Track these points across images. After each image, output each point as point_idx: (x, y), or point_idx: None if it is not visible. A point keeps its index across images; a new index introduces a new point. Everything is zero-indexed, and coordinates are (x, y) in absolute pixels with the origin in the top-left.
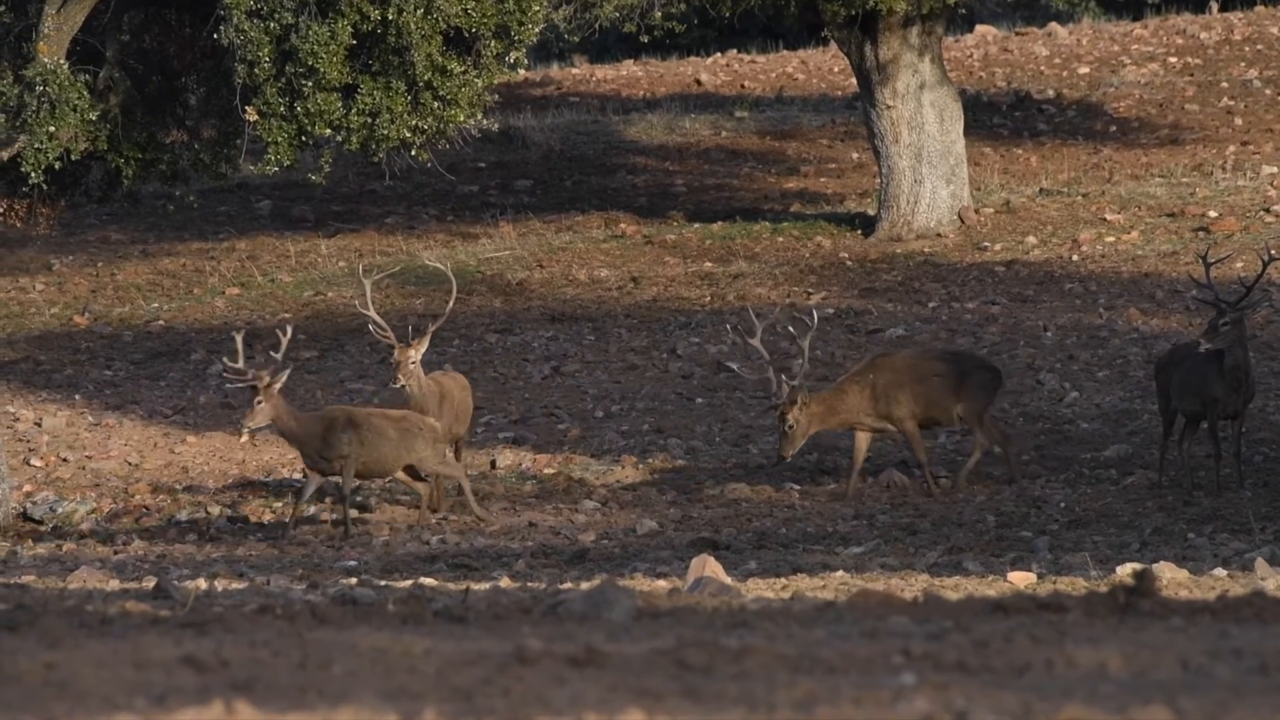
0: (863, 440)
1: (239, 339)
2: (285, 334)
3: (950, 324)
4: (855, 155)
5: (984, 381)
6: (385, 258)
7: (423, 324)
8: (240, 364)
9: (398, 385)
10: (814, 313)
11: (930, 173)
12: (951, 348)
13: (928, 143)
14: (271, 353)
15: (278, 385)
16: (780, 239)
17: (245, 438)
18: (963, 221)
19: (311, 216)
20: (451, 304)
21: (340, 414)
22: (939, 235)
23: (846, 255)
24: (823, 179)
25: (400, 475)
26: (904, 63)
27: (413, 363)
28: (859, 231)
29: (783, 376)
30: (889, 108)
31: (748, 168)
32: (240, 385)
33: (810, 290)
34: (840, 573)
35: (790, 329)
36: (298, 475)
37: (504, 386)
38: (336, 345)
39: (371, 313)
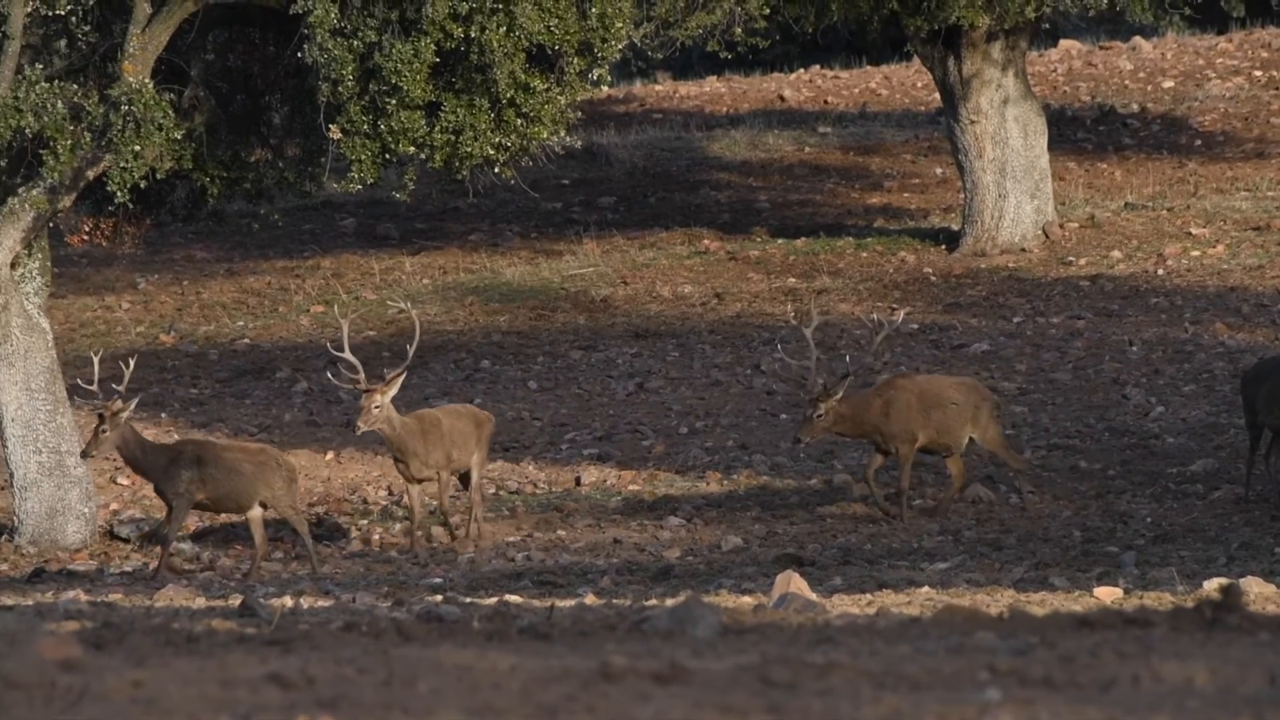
0: (878, 460)
1: (96, 360)
2: (128, 366)
3: (1035, 339)
4: (939, 170)
5: (994, 410)
6: (469, 275)
7: (400, 359)
8: (94, 388)
9: (357, 432)
10: (887, 323)
11: (1014, 187)
12: (961, 377)
13: (1012, 157)
14: (114, 386)
15: (125, 414)
16: (864, 254)
17: (93, 458)
18: (1047, 236)
19: (396, 234)
20: (414, 347)
21: (189, 449)
22: (1023, 250)
23: (930, 270)
24: (906, 194)
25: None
26: (987, 78)
27: (376, 407)
28: (943, 246)
29: (823, 370)
30: (973, 123)
31: (831, 183)
32: (94, 410)
33: (894, 305)
34: (925, 588)
35: (871, 321)
36: (383, 492)
37: (588, 403)
38: (420, 363)
39: (346, 354)
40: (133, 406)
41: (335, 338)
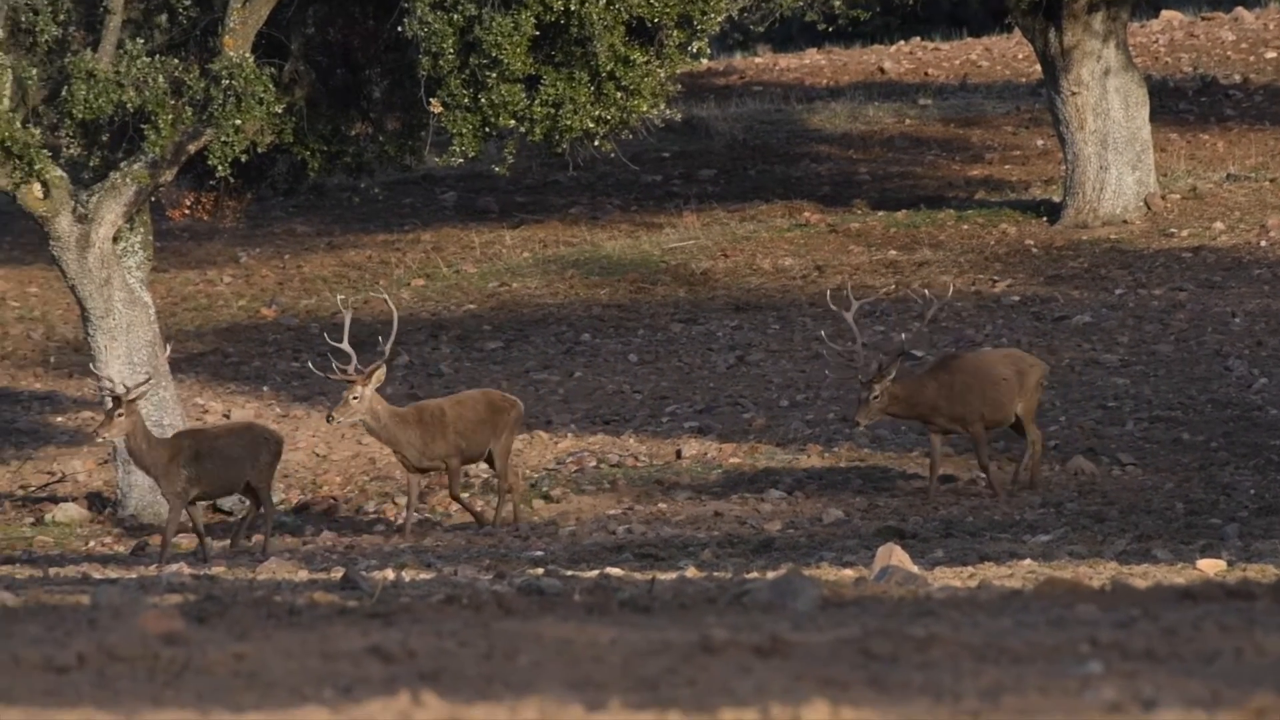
0: (936, 442)
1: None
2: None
3: (1137, 311)
4: (1040, 142)
5: (1038, 381)
6: (569, 248)
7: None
8: (110, 371)
9: (330, 423)
10: (935, 299)
11: (1116, 159)
12: (1006, 350)
13: (1113, 129)
14: (98, 375)
15: (139, 399)
16: (965, 226)
17: (100, 441)
18: (1149, 208)
19: (496, 207)
20: (392, 340)
21: (187, 444)
22: (1125, 222)
23: (1032, 242)
24: (1007, 166)
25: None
26: (1088, 49)
27: (355, 398)
28: (1044, 218)
29: (873, 352)
30: (1074, 94)
31: (932, 155)
32: (106, 393)
33: (995, 278)
34: (1027, 561)
35: (922, 298)
36: (482, 466)
37: (689, 376)
38: (521, 336)
39: (344, 344)
40: (146, 392)
41: (434, 311)
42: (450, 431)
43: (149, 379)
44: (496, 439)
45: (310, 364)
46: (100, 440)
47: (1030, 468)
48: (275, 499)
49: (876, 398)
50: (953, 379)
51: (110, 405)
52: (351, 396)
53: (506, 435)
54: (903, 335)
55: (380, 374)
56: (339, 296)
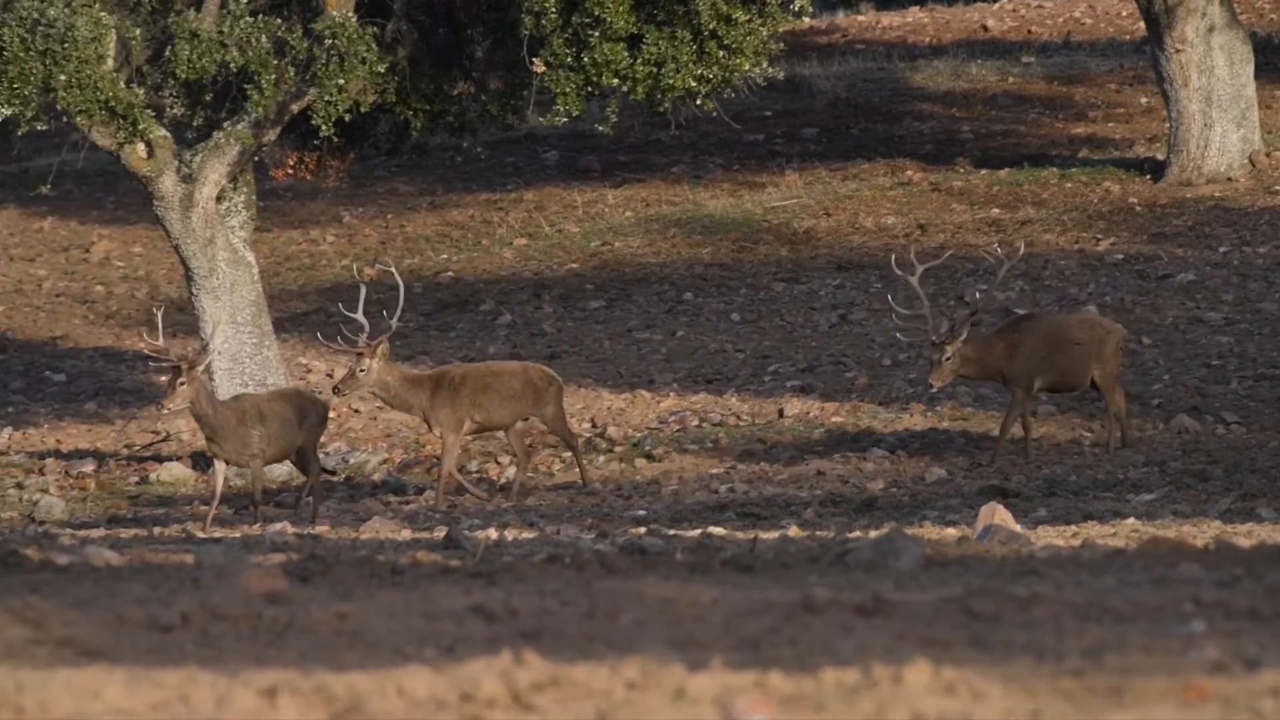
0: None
1: (159, 316)
2: (157, 315)
3: (1241, 269)
4: (1144, 100)
5: (1117, 347)
6: (671, 207)
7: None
8: (160, 342)
9: (337, 396)
10: (1007, 259)
11: (1220, 116)
12: (1084, 315)
13: (1217, 86)
14: (202, 336)
15: (201, 367)
16: (1068, 185)
17: (164, 416)
18: (1253, 165)
19: (598, 166)
20: (399, 311)
21: (250, 406)
22: (1229, 179)
23: (1135, 200)
24: (1111, 124)
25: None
26: (1192, 5)
27: (362, 371)
28: (1148, 176)
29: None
30: (1178, 51)
31: (1035, 113)
32: (162, 365)
33: (1099, 236)
34: (1131, 520)
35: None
36: (586, 425)
37: (791, 335)
38: (624, 295)
39: (358, 315)
40: (210, 361)
41: (537, 271)
42: (463, 401)
43: (207, 348)
44: (538, 411)
45: (319, 334)
46: (165, 412)
47: (1119, 430)
48: (379, 458)
49: (949, 359)
50: (1021, 339)
51: (172, 375)
52: (359, 369)
53: (552, 409)
54: (976, 294)
55: (385, 347)
56: (355, 266)
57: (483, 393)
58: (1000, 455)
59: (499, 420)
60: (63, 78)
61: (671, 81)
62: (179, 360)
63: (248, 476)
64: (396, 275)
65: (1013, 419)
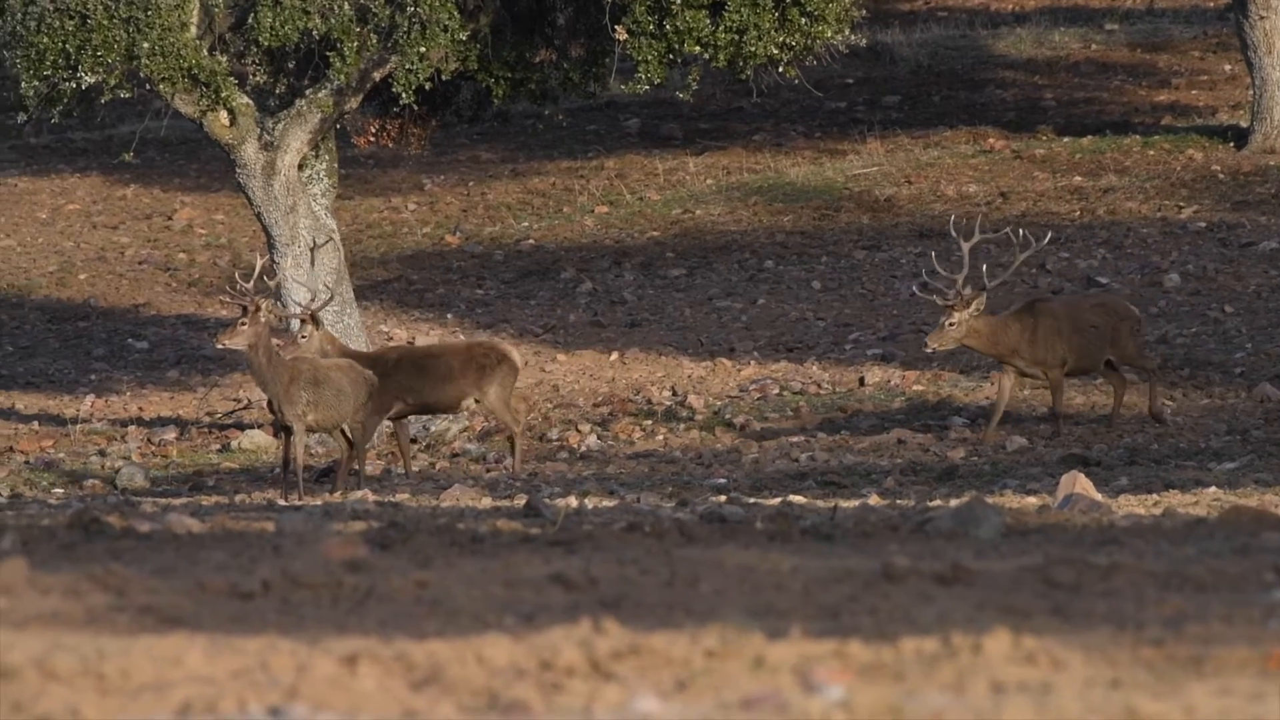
0: (1007, 383)
1: (260, 262)
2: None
3: None
4: (1228, 67)
5: (1132, 330)
6: (753, 175)
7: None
8: (250, 285)
9: (218, 344)
10: (1033, 240)
11: None
12: (1101, 297)
13: None
14: (265, 279)
15: (267, 314)
16: (1151, 152)
17: (220, 348)
18: None
19: (679, 134)
20: (332, 281)
21: (306, 369)
22: None
23: (1219, 168)
24: (1194, 91)
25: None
26: None
27: (303, 337)
28: (1231, 144)
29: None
30: (1262, 18)
31: (1118, 81)
32: (233, 302)
33: (1182, 204)
34: (1213, 489)
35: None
36: (666, 393)
37: (872, 303)
38: (704, 263)
39: (249, 285)
40: (273, 307)
41: (618, 238)
42: (392, 384)
43: (274, 299)
44: (481, 390)
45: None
46: (220, 346)
47: (1150, 400)
48: (460, 425)
49: (953, 325)
50: (1037, 322)
51: (240, 313)
52: (301, 336)
53: (495, 389)
54: (984, 268)
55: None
56: (255, 253)
57: (417, 375)
58: (1061, 431)
59: (436, 402)
60: (146, 45)
61: (753, 49)
62: (249, 302)
63: (329, 444)
64: (337, 242)
65: (1059, 398)
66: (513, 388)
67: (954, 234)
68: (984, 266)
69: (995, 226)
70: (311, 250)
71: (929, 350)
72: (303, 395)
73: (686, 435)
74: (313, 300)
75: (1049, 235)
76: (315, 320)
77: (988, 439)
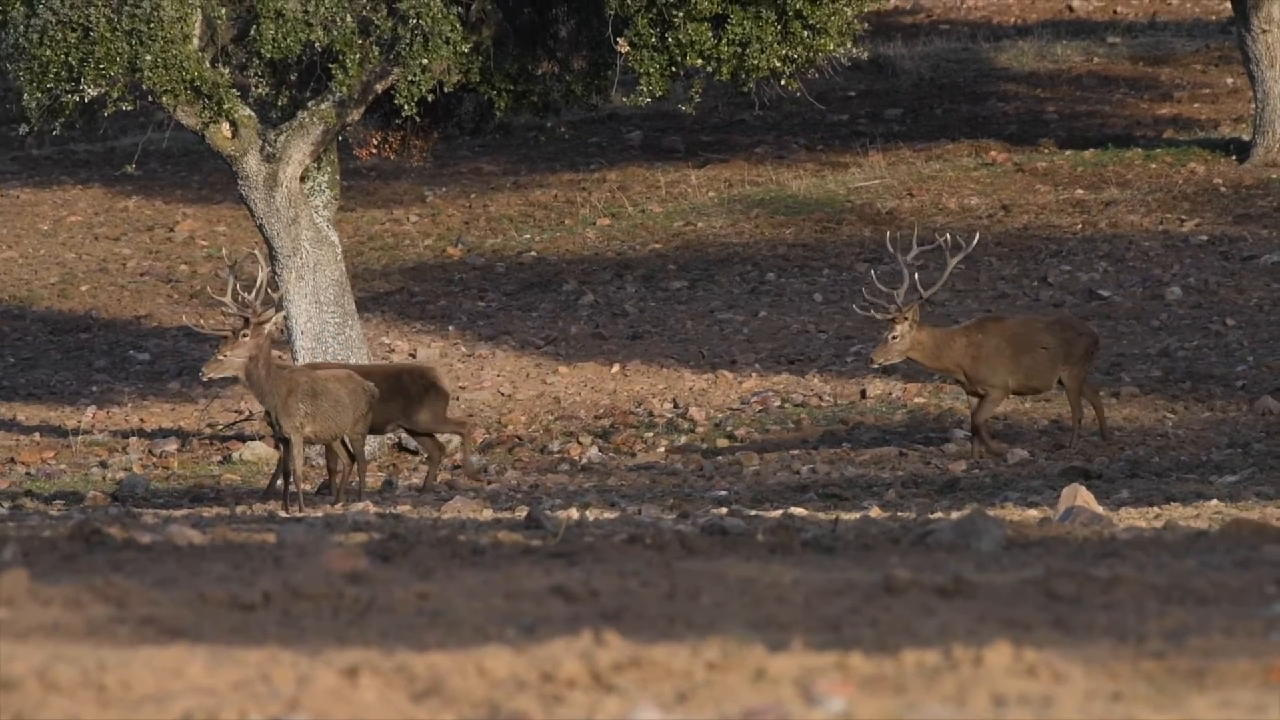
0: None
1: (262, 274)
2: (263, 265)
3: None
4: (1230, 80)
5: (1087, 350)
6: (755, 187)
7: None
8: (229, 299)
9: (203, 378)
10: (970, 240)
11: None
12: (1056, 316)
13: None
14: (270, 292)
15: (267, 325)
16: (1153, 165)
17: (221, 360)
18: None
19: (682, 147)
20: (260, 295)
21: (305, 381)
22: None
23: (1221, 181)
24: (1196, 104)
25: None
26: None
27: (222, 356)
28: (1233, 157)
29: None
30: (1264, 32)
31: (1120, 94)
32: (231, 315)
33: (1184, 217)
34: (1214, 502)
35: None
36: (668, 405)
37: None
38: (706, 276)
39: (226, 298)
40: (280, 319)
41: (619, 250)
42: (314, 404)
43: (278, 308)
44: (409, 416)
45: (184, 318)
46: (221, 359)
47: (1086, 423)
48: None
49: (896, 338)
50: (985, 340)
51: (240, 325)
52: (221, 355)
53: (425, 414)
54: (916, 278)
55: (263, 334)
56: (223, 251)
57: (329, 395)
58: (988, 454)
59: (348, 427)
60: (149, 57)
61: (756, 62)
62: (248, 314)
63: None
64: (261, 258)
65: (987, 410)
66: (445, 406)
67: (890, 249)
68: (915, 276)
69: (929, 238)
70: (230, 269)
71: (875, 366)
72: (300, 407)
73: (688, 448)
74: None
75: (976, 238)
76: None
77: (975, 453)
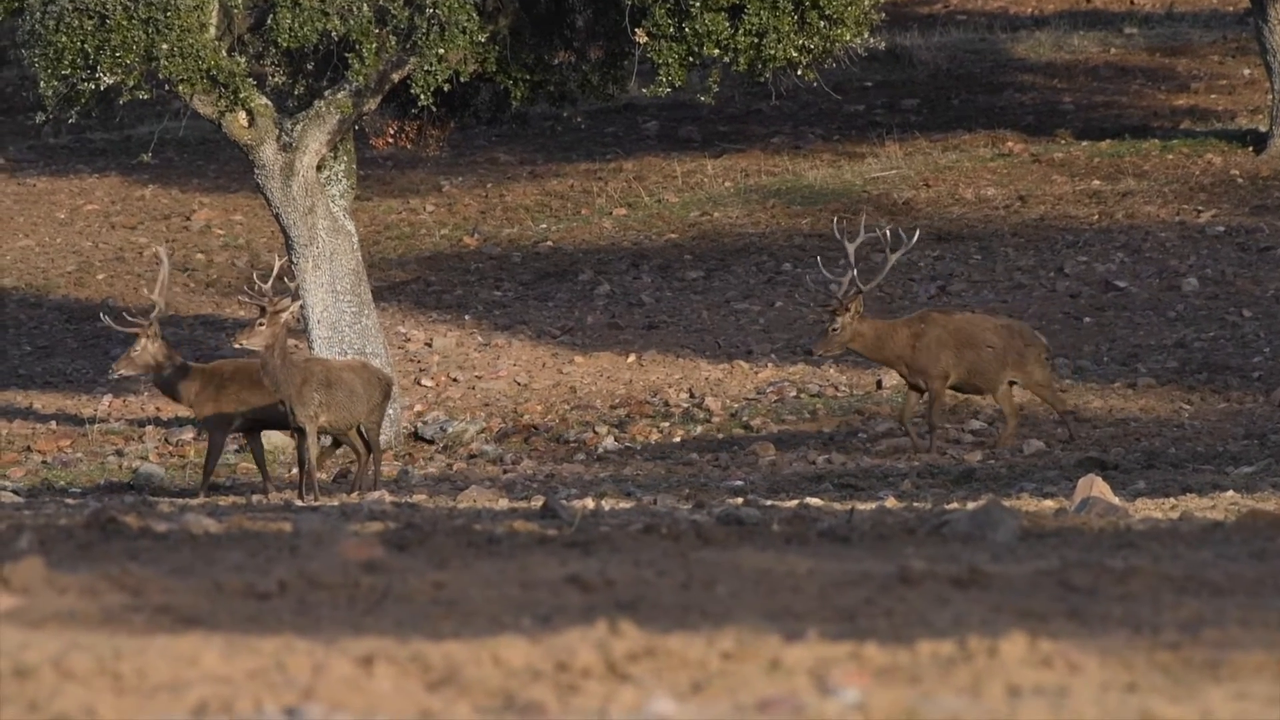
0: (912, 398)
1: (278, 264)
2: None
3: None
4: (1247, 71)
5: (1039, 358)
6: (771, 178)
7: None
8: (268, 287)
9: (113, 376)
10: (908, 236)
11: None
12: (1008, 320)
13: None
14: (286, 281)
15: (284, 315)
16: (1170, 156)
17: (238, 348)
18: None
19: (698, 137)
20: (160, 290)
21: (319, 370)
22: None
23: (1238, 172)
24: (1213, 95)
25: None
26: None
27: (134, 351)
28: (1250, 148)
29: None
30: None
31: (1137, 84)
32: (251, 303)
33: (1200, 208)
34: (1230, 493)
35: (885, 236)
36: (684, 395)
37: (890, 306)
38: (722, 266)
39: (156, 294)
40: (296, 309)
41: (636, 241)
42: (228, 398)
43: (296, 299)
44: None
45: (103, 315)
46: (238, 347)
47: (1003, 437)
48: (477, 427)
49: (836, 330)
50: (925, 331)
51: (256, 314)
52: (134, 349)
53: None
54: (854, 273)
55: (155, 329)
56: (157, 248)
57: (251, 389)
58: (934, 445)
59: (271, 417)
60: (165, 46)
61: (773, 52)
62: (266, 302)
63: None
64: (164, 256)
65: (936, 408)
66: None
67: (837, 235)
68: (854, 271)
69: (874, 226)
70: (158, 262)
71: (815, 356)
72: (315, 397)
73: (704, 438)
74: (155, 313)
75: (916, 234)
76: (149, 333)
77: (912, 450)
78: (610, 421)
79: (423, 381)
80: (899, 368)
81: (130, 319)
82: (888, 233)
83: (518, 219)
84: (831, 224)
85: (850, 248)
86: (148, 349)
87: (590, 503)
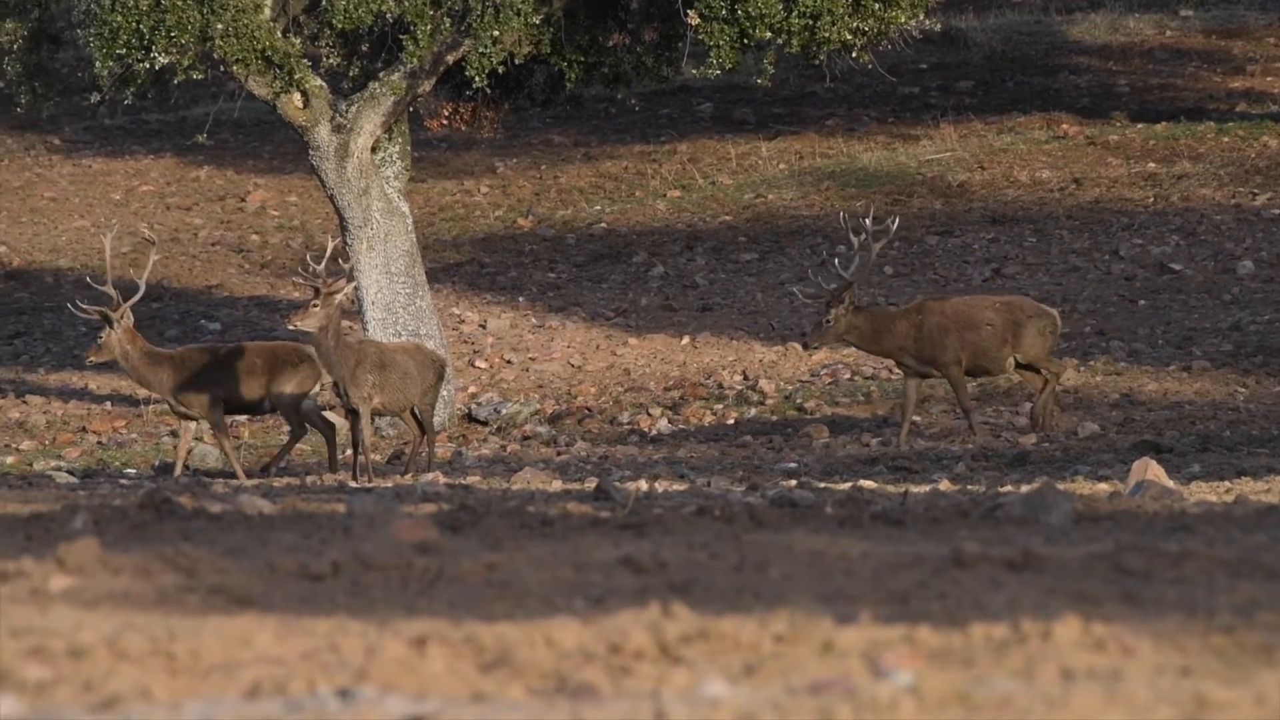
0: (912, 386)
1: (331, 244)
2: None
3: None
4: None
5: (1041, 329)
6: (825, 160)
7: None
8: (321, 268)
9: (88, 363)
10: (892, 223)
11: None
12: (1006, 296)
13: None
14: (340, 262)
15: (338, 296)
16: (1225, 139)
17: (291, 329)
18: None
19: (752, 119)
20: (146, 275)
21: (373, 352)
22: None
23: None
24: (1269, 78)
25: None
26: None
27: (100, 339)
28: None
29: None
30: None
31: (1192, 67)
32: (305, 284)
33: (1256, 191)
34: None
35: (860, 225)
36: (738, 377)
37: (944, 288)
38: (776, 248)
39: (108, 286)
40: (350, 290)
41: (690, 222)
42: (209, 381)
43: (350, 280)
44: (275, 392)
45: (71, 304)
46: (291, 328)
47: (1040, 410)
48: (531, 408)
49: (830, 323)
50: (925, 320)
51: (311, 295)
52: (101, 336)
53: (291, 389)
54: (836, 261)
55: (129, 316)
56: (108, 236)
57: (222, 373)
58: (975, 428)
59: (237, 399)
60: (220, 26)
61: (827, 34)
62: (320, 284)
63: (400, 427)
64: (151, 236)
65: (963, 394)
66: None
67: (845, 227)
68: (836, 260)
69: (881, 217)
70: (147, 240)
71: (811, 350)
72: (369, 378)
73: (758, 420)
74: (117, 303)
75: (896, 221)
76: (107, 320)
77: (900, 443)
78: (664, 403)
79: (477, 363)
80: (901, 359)
81: (90, 305)
82: (868, 222)
83: (572, 201)
84: (869, 209)
85: (856, 240)
86: (113, 336)
87: (644, 485)
